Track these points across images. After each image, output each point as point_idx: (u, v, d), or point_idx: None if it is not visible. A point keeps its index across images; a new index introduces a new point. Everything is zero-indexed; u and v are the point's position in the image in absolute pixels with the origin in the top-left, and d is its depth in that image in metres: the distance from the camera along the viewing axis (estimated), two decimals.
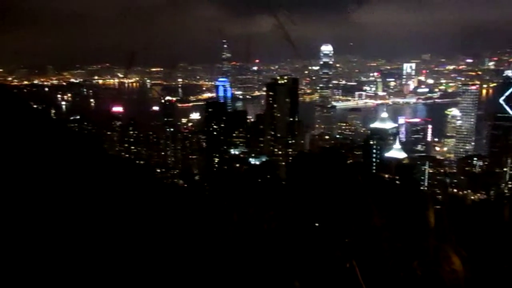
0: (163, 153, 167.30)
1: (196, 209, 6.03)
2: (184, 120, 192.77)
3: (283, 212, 4.38)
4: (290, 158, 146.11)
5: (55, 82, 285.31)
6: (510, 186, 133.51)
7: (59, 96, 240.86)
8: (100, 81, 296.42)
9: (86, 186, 4.92)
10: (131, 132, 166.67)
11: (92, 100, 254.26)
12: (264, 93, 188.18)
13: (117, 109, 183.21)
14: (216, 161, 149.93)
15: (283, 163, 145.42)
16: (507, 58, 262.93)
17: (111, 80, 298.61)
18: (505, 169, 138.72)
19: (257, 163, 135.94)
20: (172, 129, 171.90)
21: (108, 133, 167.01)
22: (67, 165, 5.28)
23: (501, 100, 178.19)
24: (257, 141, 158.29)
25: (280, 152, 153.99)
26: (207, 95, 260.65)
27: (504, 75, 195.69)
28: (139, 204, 5.03)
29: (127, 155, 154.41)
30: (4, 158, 4.71)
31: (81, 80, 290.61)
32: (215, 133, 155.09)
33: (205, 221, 4.57)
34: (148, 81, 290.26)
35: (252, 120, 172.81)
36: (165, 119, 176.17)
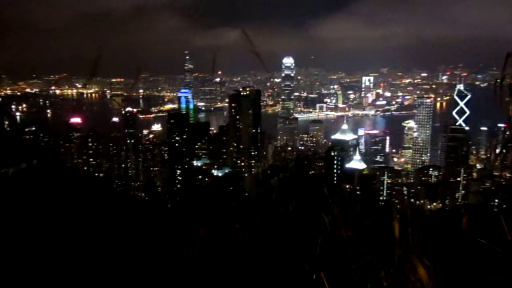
0: (123, 165, 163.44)
1: (158, 223, 5.85)
2: (145, 132, 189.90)
3: (249, 225, 4.29)
4: (253, 169, 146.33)
5: (9, 92, 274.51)
6: (464, 195, 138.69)
7: (13, 107, 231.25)
8: (58, 92, 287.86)
9: (40, 199, 4.68)
10: (90, 144, 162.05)
11: (48, 111, 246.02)
12: (227, 104, 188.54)
13: (76, 120, 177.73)
14: (178, 173, 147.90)
15: (246, 175, 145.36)
16: (460, 73, 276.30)
17: (70, 91, 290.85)
18: (459, 179, 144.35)
19: (220, 174, 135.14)
20: (133, 141, 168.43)
21: (66, 145, 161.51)
22: (20, 177, 5.01)
23: (454, 113, 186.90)
24: (220, 152, 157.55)
25: (243, 164, 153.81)
26: (169, 106, 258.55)
27: (456, 88, 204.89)
28: (98, 217, 4.82)
29: (85, 168, 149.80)
30: None
31: (38, 90, 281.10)
32: (177, 144, 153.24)
33: (169, 235, 4.42)
34: (108, 91, 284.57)
35: (215, 131, 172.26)
36: (126, 130, 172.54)
